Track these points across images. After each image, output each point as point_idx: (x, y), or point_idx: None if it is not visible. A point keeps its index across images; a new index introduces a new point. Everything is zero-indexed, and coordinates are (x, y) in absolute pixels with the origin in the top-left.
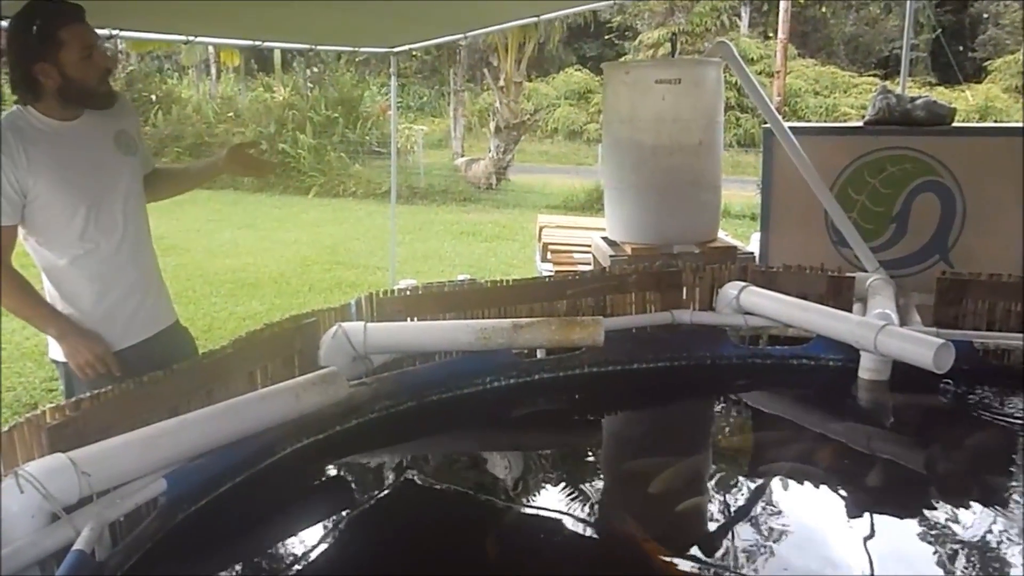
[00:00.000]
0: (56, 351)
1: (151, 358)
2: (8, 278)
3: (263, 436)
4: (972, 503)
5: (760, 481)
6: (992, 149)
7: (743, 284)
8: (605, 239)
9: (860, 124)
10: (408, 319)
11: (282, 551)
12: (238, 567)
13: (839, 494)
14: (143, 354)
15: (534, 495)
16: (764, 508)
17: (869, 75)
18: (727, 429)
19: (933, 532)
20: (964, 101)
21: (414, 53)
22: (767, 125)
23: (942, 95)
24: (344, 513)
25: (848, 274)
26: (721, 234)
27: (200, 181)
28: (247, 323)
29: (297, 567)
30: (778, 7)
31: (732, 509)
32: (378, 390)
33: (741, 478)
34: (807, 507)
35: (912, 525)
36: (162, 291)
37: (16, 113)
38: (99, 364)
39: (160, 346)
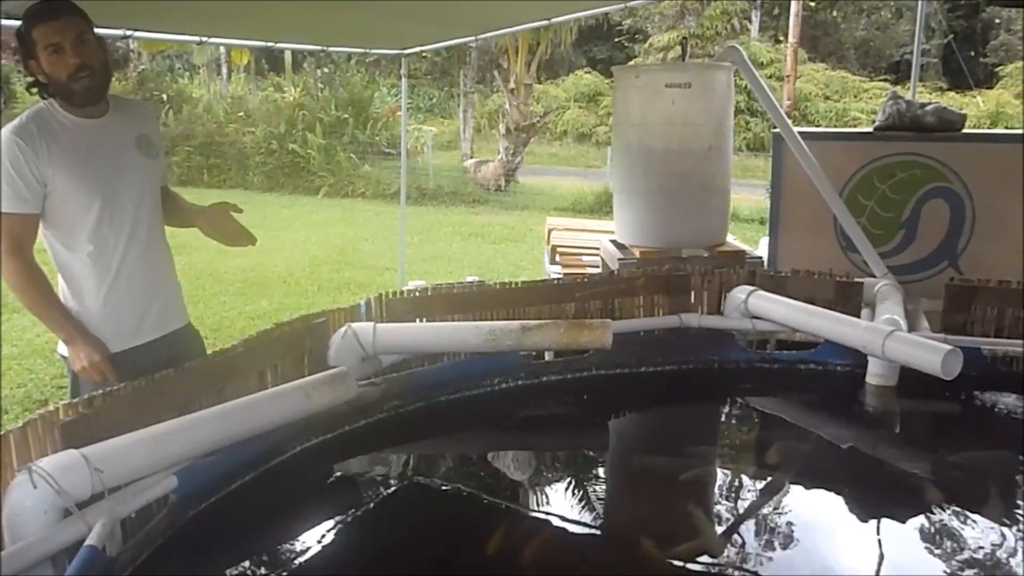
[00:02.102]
0: (64, 347)
1: (156, 359)
2: (28, 272)
3: (273, 435)
4: (979, 510)
5: (766, 485)
6: (1002, 156)
7: (751, 288)
8: (614, 242)
9: (870, 130)
10: (417, 320)
11: (290, 549)
12: (247, 564)
13: (845, 499)
14: (149, 354)
15: (541, 497)
16: (770, 512)
17: (879, 80)
18: (734, 433)
19: (939, 538)
20: (975, 107)
21: (424, 55)
22: (777, 129)
23: (953, 100)
24: (352, 512)
25: (857, 279)
26: (730, 238)
27: (181, 223)
28: (256, 322)
29: (305, 565)
30: (789, 11)
31: (738, 512)
32: (387, 390)
33: (748, 482)
34: (813, 512)
35: (919, 531)
36: (174, 294)
37: (42, 107)
38: (96, 373)
39: (167, 348)
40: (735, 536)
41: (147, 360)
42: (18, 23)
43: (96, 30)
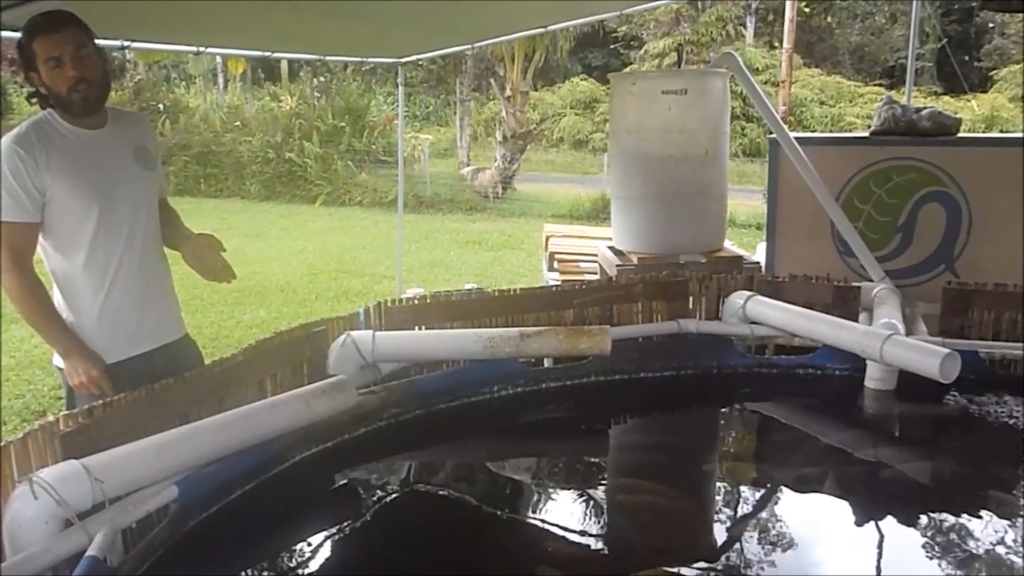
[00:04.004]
0: (60, 358)
1: (152, 370)
2: (27, 283)
3: (273, 444)
4: (978, 512)
5: (766, 490)
6: (998, 159)
7: (749, 294)
8: (612, 248)
9: (866, 134)
10: (416, 328)
11: (290, 557)
12: (248, 573)
13: (845, 503)
14: (144, 366)
15: (539, 504)
16: (770, 516)
17: (874, 84)
18: (733, 438)
19: (939, 542)
20: (970, 111)
21: (420, 63)
22: (773, 135)
23: (948, 104)
24: (352, 521)
25: (854, 284)
26: (727, 243)
27: (167, 242)
28: (254, 331)
29: (306, 573)
30: (783, 17)
31: (738, 517)
32: (386, 398)
33: (747, 487)
34: (813, 516)
35: (918, 535)
36: (170, 305)
37: (42, 117)
38: (92, 387)
39: (163, 359)
40: (734, 540)
41: (143, 371)
42: (18, 35)
43: (96, 41)
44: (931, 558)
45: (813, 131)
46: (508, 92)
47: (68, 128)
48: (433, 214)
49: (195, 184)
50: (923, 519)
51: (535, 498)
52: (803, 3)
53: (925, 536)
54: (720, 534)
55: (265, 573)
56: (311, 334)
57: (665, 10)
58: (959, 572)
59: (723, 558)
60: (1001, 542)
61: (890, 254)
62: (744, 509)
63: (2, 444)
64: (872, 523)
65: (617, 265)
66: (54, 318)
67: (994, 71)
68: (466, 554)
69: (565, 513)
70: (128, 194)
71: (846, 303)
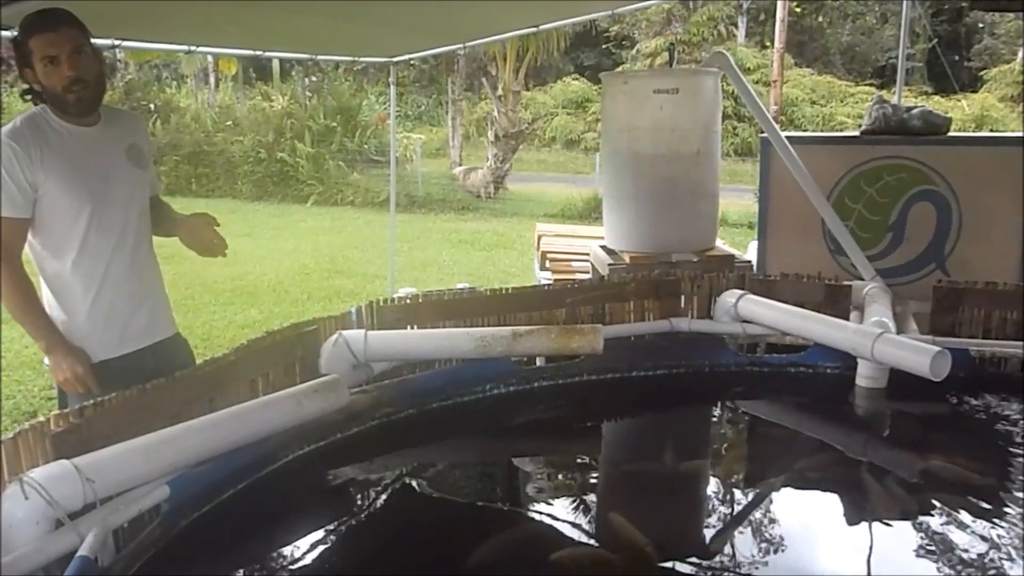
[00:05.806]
0: None
1: (142, 369)
2: (14, 278)
3: (265, 443)
4: (970, 511)
5: (757, 489)
6: (988, 158)
7: (741, 292)
8: (603, 247)
9: (857, 134)
10: (408, 327)
11: (283, 557)
12: (239, 573)
13: (836, 502)
14: (134, 364)
15: (532, 503)
16: (762, 516)
17: (865, 84)
18: (725, 437)
19: (931, 540)
20: (960, 110)
21: (412, 62)
22: (764, 134)
23: (938, 104)
24: (344, 520)
25: (845, 282)
26: (719, 242)
27: (166, 232)
28: (246, 331)
29: (298, 573)
30: (775, 17)
31: (729, 515)
32: (378, 398)
33: (739, 486)
34: (804, 515)
35: (909, 533)
36: (161, 303)
37: (36, 112)
38: (78, 383)
39: (153, 358)
40: (726, 537)
41: (133, 369)
42: (13, 32)
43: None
44: (922, 557)
45: (804, 130)
46: (500, 92)
47: (62, 124)
48: (425, 214)
49: (186, 184)
50: (914, 518)
51: (528, 497)
52: (794, 3)
53: (916, 536)
54: (711, 531)
55: (257, 573)
56: (303, 333)
57: (657, 10)
58: (951, 571)
59: (714, 555)
60: (995, 541)
61: (881, 253)
62: (735, 507)
63: None
64: (863, 521)
65: (609, 264)
66: (40, 314)
67: (984, 71)
68: (459, 553)
69: (558, 511)
70: (120, 193)
71: (837, 301)
